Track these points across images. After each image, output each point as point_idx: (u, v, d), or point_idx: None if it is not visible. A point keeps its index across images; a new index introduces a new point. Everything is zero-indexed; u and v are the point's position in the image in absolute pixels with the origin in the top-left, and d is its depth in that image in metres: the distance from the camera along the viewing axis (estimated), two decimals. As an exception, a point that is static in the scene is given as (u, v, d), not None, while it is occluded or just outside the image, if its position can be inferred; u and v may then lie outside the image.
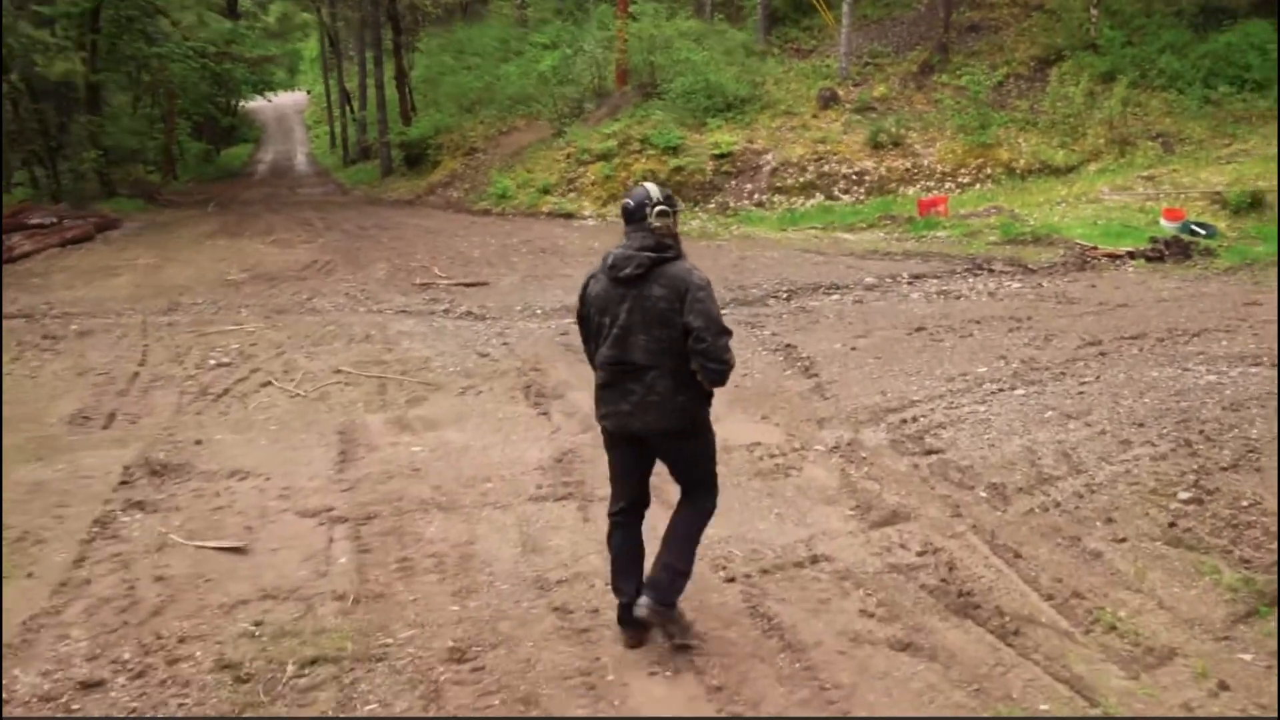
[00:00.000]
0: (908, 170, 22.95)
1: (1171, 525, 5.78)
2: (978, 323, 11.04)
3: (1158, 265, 14.22)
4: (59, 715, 4.33)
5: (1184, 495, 6.13)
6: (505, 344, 11.04)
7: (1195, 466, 6.53)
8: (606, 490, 6.36)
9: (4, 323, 12.35)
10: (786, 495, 6.56)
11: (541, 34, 36.64)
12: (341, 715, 4.28)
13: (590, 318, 4.71)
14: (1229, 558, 5.42)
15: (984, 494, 6.45)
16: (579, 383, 9.32)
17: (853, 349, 10.22)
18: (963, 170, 22.60)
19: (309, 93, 70.21)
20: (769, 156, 23.93)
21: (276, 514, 6.48)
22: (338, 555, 5.83)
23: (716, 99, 25.49)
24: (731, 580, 5.37)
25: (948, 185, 22.32)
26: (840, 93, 25.85)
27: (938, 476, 6.79)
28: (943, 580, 5.29)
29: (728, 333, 4.43)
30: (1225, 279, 12.99)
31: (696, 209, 22.90)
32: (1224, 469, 6.48)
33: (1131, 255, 14.77)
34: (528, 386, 9.30)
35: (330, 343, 11.28)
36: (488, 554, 5.79)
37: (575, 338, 10.96)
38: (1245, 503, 5.93)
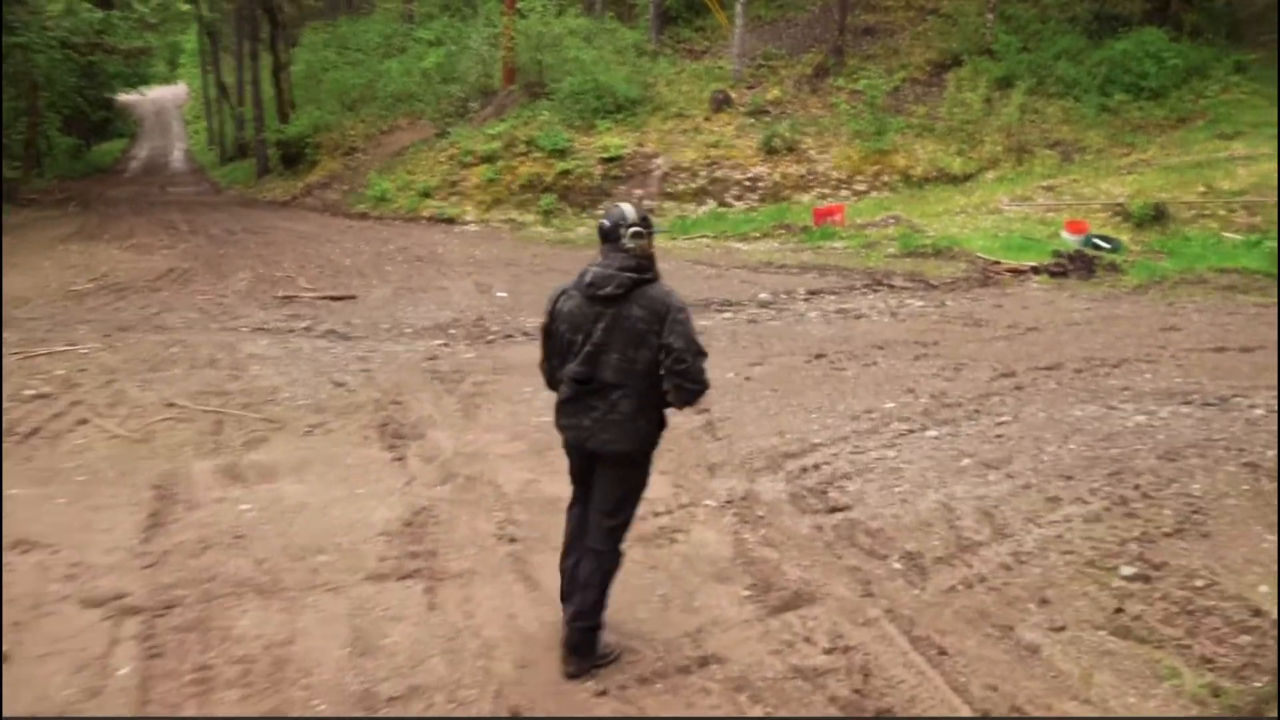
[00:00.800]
0: (802, 177, 22.24)
1: (1118, 611, 4.93)
2: (881, 348, 10.22)
3: (1063, 281, 13.63)
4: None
5: (1127, 570, 5.30)
6: (365, 370, 9.89)
7: (1136, 533, 5.72)
8: (459, 564, 5.78)
9: None
10: (673, 568, 5.59)
11: (427, 30, 35.43)
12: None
13: (559, 334, 4.62)
14: (1188, 655, 4.59)
15: (898, 565, 5.56)
16: (442, 419, 8.27)
17: (747, 379, 9.30)
18: (859, 177, 21.97)
19: (189, 87, 68.20)
20: (659, 161, 23.06)
21: (54, 603, 5.20)
22: (119, 663, 4.63)
23: (606, 100, 24.56)
24: (602, 694, 4.37)
25: (844, 193, 21.67)
26: (733, 95, 25.09)
27: (844, 541, 5.88)
28: (856, 691, 4.37)
29: (704, 355, 4.45)
30: (1136, 299, 12.39)
31: (584, 215, 21.92)
32: (1168, 535, 5.68)
33: (1035, 270, 14.19)
34: (384, 424, 8.17)
35: (170, 368, 9.91)
36: (308, 657, 4.68)
37: (444, 364, 10.18)
38: (1199, 582, 5.11)
